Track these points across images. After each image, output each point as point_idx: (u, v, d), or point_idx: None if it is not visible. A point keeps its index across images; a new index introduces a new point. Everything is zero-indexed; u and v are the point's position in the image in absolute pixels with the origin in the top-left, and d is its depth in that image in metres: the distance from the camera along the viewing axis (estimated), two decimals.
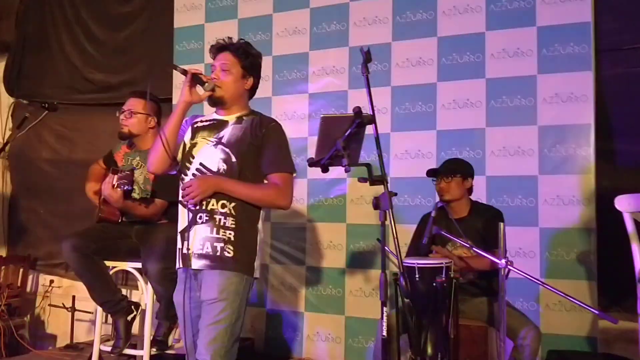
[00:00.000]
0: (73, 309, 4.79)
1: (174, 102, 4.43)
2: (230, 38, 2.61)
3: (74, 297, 4.81)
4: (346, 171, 2.10)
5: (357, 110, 2.06)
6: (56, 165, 5.37)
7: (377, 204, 2.09)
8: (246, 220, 2.46)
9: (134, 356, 3.42)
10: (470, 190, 3.32)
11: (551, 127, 3.61)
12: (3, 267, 5.10)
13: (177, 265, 2.51)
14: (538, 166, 3.62)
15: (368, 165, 2.15)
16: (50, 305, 5.19)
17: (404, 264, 2.72)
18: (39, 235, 5.37)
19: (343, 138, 2.08)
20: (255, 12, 4.50)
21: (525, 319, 2.98)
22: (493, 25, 3.79)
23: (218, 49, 2.59)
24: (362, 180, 2.13)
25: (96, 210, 3.41)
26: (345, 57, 4.17)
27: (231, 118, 2.55)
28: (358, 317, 4.01)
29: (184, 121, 2.55)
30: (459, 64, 3.86)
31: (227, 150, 2.47)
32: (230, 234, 2.41)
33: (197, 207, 2.44)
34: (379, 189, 2.12)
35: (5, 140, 3.31)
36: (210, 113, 2.66)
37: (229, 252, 2.40)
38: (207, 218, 2.42)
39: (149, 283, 3.27)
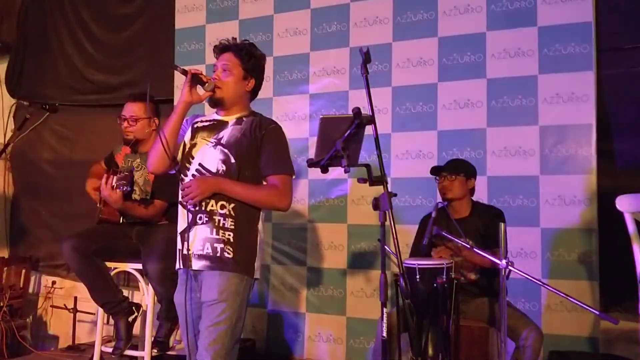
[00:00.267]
0: (75, 310, 4.80)
1: (175, 102, 4.42)
2: (234, 38, 2.60)
3: (75, 298, 4.82)
4: (345, 172, 2.09)
5: (356, 111, 2.05)
6: (57, 166, 5.38)
7: (376, 204, 2.08)
8: (246, 221, 2.45)
9: (135, 357, 3.42)
10: (472, 191, 3.32)
11: (552, 127, 3.61)
12: (5, 268, 5.09)
13: (177, 266, 2.51)
14: (539, 166, 3.62)
15: (367, 166, 2.15)
16: (52, 306, 5.19)
17: (404, 264, 2.72)
18: (41, 236, 5.37)
19: (342, 139, 2.08)
20: (256, 12, 4.49)
21: (527, 320, 2.98)
22: (494, 25, 3.78)
23: (221, 49, 2.58)
24: (361, 180, 2.13)
25: (96, 211, 3.42)
26: (345, 58, 4.17)
27: (231, 119, 2.54)
28: (359, 318, 4.00)
29: (184, 121, 2.55)
30: (459, 64, 3.85)
31: (226, 151, 2.46)
32: (229, 235, 2.41)
33: (197, 208, 2.43)
34: (380, 189, 2.11)
35: (6, 141, 3.31)
36: (210, 113, 2.65)
37: (228, 253, 2.40)
38: (206, 219, 2.42)
39: (149, 284, 3.27)
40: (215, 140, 2.49)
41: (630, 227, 2.71)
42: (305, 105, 4.30)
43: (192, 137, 2.56)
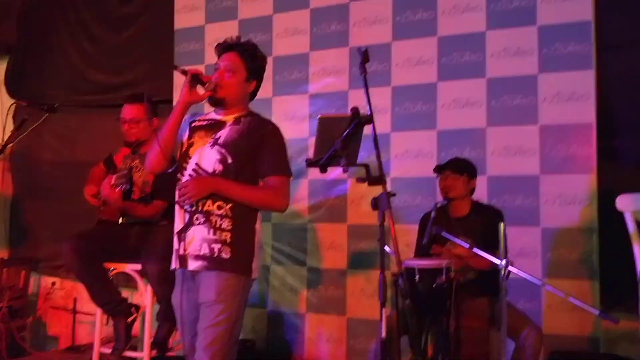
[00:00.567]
0: (74, 311, 4.80)
1: (175, 103, 4.41)
2: (239, 37, 2.59)
3: (75, 299, 4.82)
4: (344, 171, 2.09)
5: (355, 111, 2.05)
6: (57, 167, 5.37)
7: (375, 204, 2.08)
8: (243, 222, 2.44)
9: (134, 358, 3.42)
10: (472, 191, 3.31)
11: (552, 127, 3.59)
12: (5, 269, 5.09)
13: (174, 266, 2.50)
14: (539, 166, 3.60)
15: (366, 166, 2.14)
16: (51, 307, 5.18)
17: (403, 264, 2.71)
18: (41, 236, 5.36)
19: (341, 138, 2.07)
20: (255, 12, 4.48)
21: (527, 319, 2.97)
22: (494, 24, 3.77)
23: (225, 47, 2.55)
24: (360, 180, 2.12)
25: (96, 211, 3.41)
26: (345, 57, 4.16)
27: (229, 119, 2.53)
28: (360, 318, 3.99)
29: (183, 120, 2.54)
30: (459, 64, 3.84)
31: (224, 151, 2.45)
32: (226, 235, 2.40)
33: (194, 208, 2.42)
34: (381, 189, 2.10)
35: (5, 142, 3.30)
36: (208, 112, 2.64)
37: (226, 254, 2.39)
38: (203, 219, 2.41)
39: (148, 285, 3.26)
40: (212, 140, 2.48)
41: (631, 226, 2.71)
42: (305, 106, 4.29)
43: (190, 137, 2.55)
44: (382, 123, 3.90)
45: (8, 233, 5.56)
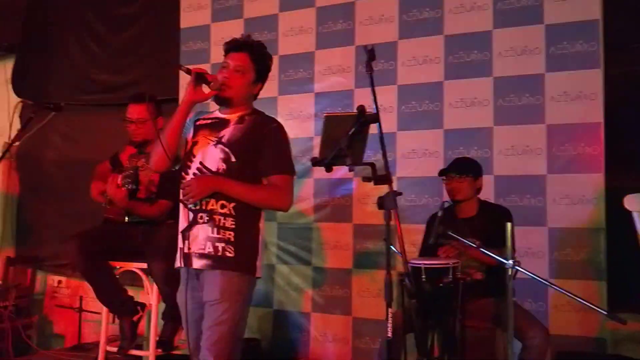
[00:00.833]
0: (80, 310, 4.80)
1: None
2: (249, 36, 2.57)
3: (81, 297, 4.82)
4: (350, 170, 2.07)
5: (361, 109, 2.03)
6: (63, 166, 5.37)
7: (381, 203, 2.06)
8: (246, 221, 2.43)
9: (140, 357, 3.42)
10: (479, 190, 3.30)
11: (560, 126, 3.57)
12: (11, 268, 5.11)
13: (178, 265, 2.50)
14: (546, 165, 3.58)
15: (372, 165, 2.12)
16: (57, 305, 5.19)
17: (409, 264, 2.70)
18: (47, 235, 5.36)
19: (346, 137, 2.06)
20: (260, 11, 4.48)
21: (534, 320, 2.95)
22: (500, 23, 3.75)
23: (235, 47, 2.53)
24: (366, 179, 2.11)
25: (102, 210, 3.41)
26: (351, 56, 4.15)
27: (233, 117, 2.52)
28: (365, 318, 3.98)
29: (188, 118, 2.53)
30: (465, 63, 3.82)
31: (227, 150, 2.44)
32: (230, 234, 2.39)
33: (197, 207, 2.42)
34: (385, 189, 2.09)
35: (11, 141, 3.31)
36: (213, 111, 2.63)
37: (230, 252, 2.38)
38: (207, 218, 2.41)
39: (154, 283, 3.26)
40: (216, 139, 2.47)
41: (639, 226, 2.68)
42: (310, 105, 4.28)
43: (194, 135, 2.55)
44: (388, 122, 3.89)
45: (14, 232, 5.57)
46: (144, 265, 3.29)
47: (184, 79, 4.50)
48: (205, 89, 2.45)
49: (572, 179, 3.52)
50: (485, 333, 2.93)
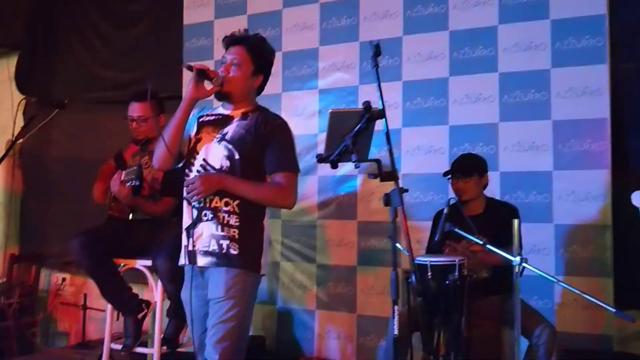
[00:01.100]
0: (85, 307, 4.80)
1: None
2: (246, 30, 2.55)
3: (85, 295, 4.82)
4: (356, 167, 2.05)
5: (367, 105, 2.01)
6: (66, 164, 5.37)
7: (387, 200, 2.04)
8: (251, 218, 2.42)
9: (145, 354, 3.41)
10: (485, 186, 3.28)
11: (566, 122, 3.55)
12: (15, 266, 5.11)
13: (182, 262, 2.48)
14: (552, 161, 3.56)
15: (378, 161, 2.10)
16: (61, 303, 5.19)
17: (416, 261, 2.68)
18: (50, 233, 5.37)
19: (352, 133, 2.04)
20: (264, 7, 4.46)
21: (540, 317, 2.93)
22: (505, 18, 3.72)
23: (232, 41, 2.51)
24: (372, 176, 2.09)
25: (106, 208, 3.40)
26: (355, 52, 4.13)
27: (236, 114, 2.50)
28: (370, 316, 3.97)
29: (191, 115, 2.51)
30: (471, 58, 3.80)
31: (231, 147, 2.42)
32: (234, 231, 2.38)
33: (201, 205, 2.40)
34: (391, 186, 2.07)
35: (15, 138, 3.30)
36: (216, 107, 2.61)
37: (234, 250, 2.37)
38: (211, 216, 2.39)
39: (159, 281, 3.25)
40: (220, 136, 2.45)
41: None
42: (314, 101, 4.26)
43: (198, 132, 2.53)
44: (393, 118, 3.86)
45: (18, 230, 5.57)
46: (149, 263, 3.27)
47: (188, 76, 4.50)
48: (207, 85, 2.43)
49: (579, 175, 3.50)
50: (492, 331, 2.91)
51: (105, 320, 3.50)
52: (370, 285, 3.99)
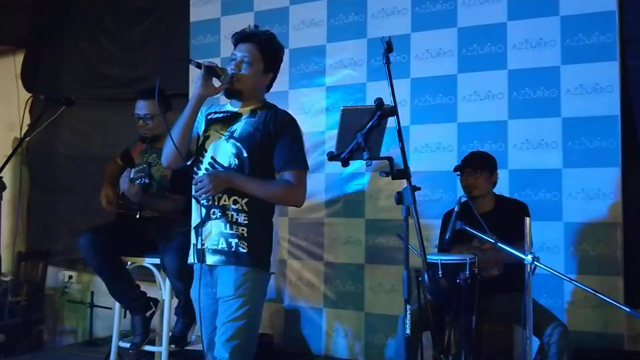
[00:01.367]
0: (92, 305, 4.80)
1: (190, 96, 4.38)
2: (256, 26, 2.52)
3: (92, 292, 4.82)
4: (367, 165, 2.03)
5: (379, 102, 1.99)
6: (73, 160, 5.38)
7: (399, 198, 2.02)
8: (259, 216, 2.40)
9: (153, 352, 3.40)
10: (494, 184, 3.26)
11: (575, 119, 3.52)
12: (22, 263, 5.11)
13: (191, 260, 2.47)
14: (562, 159, 3.54)
15: (390, 159, 2.08)
16: (69, 300, 5.20)
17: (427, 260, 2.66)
18: (57, 230, 5.38)
19: (364, 131, 2.02)
20: (271, 4, 4.43)
21: (552, 316, 2.91)
22: (515, 14, 3.70)
23: (242, 38, 2.48)
24: (383, 174, 2.07)
25: (114, 205, 3.40)
26: (363, 49, 4.11)
27: (245, 111, 2.47)
28: (378, 314, 3.96)
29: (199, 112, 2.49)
30: (479, 55, 3.77)
31: (239, 145, 2.39)
32: (243, 230, 2.36)
33: (210, 203, 2.39)
34: (398, 183, 2.05)
35: (22, 136, 3.29)
36: (224, 103, 2.59)
37: (243, 248, 2.35)
38: (220, 214, 2.38)
39: (167, 279, 3.24)
40: (228, 134, 2.43)
41: None
42: (321, 98, 4.24)
43: (206, 129, 2.51)
44: (401, 116, 3.73)
45: (25, 227, 5.58)
46: (156, 261, 3.26)
47: (194, 74, 4.50)
48: (216, 82, 2.41)
49: (588, 173, 3.48)
50: (502, 329, 2.89)
51: (112, 318, 3.49)
52: (378, 283, 3.98)
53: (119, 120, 4.93)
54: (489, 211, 3.18)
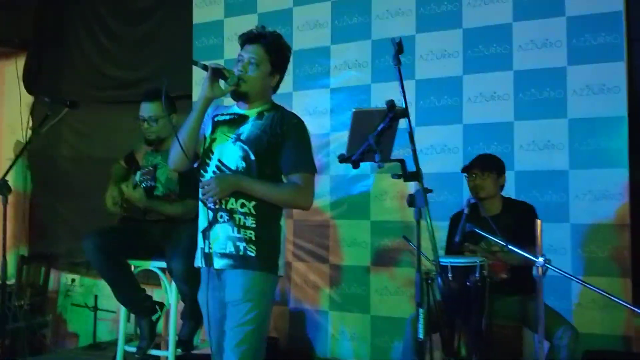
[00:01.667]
0: (95, 308, 4.78)
1: (194, 99, 4.37)
2: (263, 27, 2.49)
3: (96, 296, 4.80)
4: (379, 167, 2.02)
5: (390, 104, 1.98)
6: (76, 163, 5.36)
7: (411, 201, 2.01)
8: (267, 219, 2.37)
9: (159, 357, 3.38)
10: (502, 187, 3.25)
11: (582, 120, 3.51)
12: (25, 266, 5.10)
13: (199, 264, 2.45)
14: (569, 160, 3.53)
15: (402, 161, 2.07)
16: (72, 304, 5.18)
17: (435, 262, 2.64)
18: (60, 233, 5.36)
19: (375, 133, 2.00)
20: (275, 5, 4.42)
21: (562, 319, 2.90)
22: (520, 15, 3.68)
23: (250, 39, 2.45)
24: (395, 176, 2.06)
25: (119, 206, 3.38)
26: (367, 50, 4.09)
27: (252, 113, 2.44)
28: (384, 316, 3.94)
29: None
30: (485, 56, 3.76)
31: (246, 147, 2.37)
32: (251, 233, 2.34)
33: (217, 206, 2.37)
34: (404, 185, 2.04)
35: (26, 140, 3.27)
36: (231, 105, 2.56)
37: (251, 252, 2.33)
38: (227, 217, 2.35)
39: (173, 282, 3.22)
40: (235, 136, 2.40)
41: None
42: (325, 100, 4.23)
43: (212, 131, 2.48)
44: None
45: (27, 230, 5.55)
46: (162, 264, 3.24)
47: (198, 75, 4.48)
48: (222, 84, 2.38)
49: (595, 174, 3.46)
50: (512, 332, 2.88)
51: (115, 321, 3.47)
52: (384, 285, 3.96)
53: (122, 122, 4.91)
54: (497, 214, 3.17)
